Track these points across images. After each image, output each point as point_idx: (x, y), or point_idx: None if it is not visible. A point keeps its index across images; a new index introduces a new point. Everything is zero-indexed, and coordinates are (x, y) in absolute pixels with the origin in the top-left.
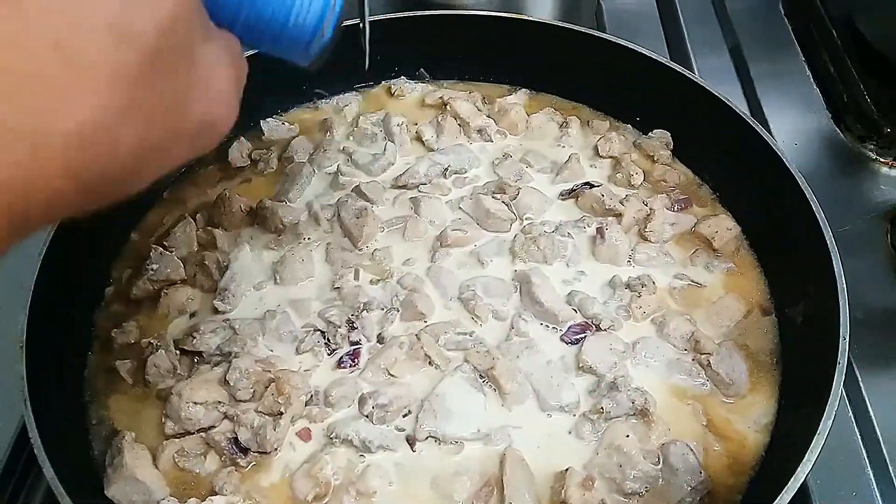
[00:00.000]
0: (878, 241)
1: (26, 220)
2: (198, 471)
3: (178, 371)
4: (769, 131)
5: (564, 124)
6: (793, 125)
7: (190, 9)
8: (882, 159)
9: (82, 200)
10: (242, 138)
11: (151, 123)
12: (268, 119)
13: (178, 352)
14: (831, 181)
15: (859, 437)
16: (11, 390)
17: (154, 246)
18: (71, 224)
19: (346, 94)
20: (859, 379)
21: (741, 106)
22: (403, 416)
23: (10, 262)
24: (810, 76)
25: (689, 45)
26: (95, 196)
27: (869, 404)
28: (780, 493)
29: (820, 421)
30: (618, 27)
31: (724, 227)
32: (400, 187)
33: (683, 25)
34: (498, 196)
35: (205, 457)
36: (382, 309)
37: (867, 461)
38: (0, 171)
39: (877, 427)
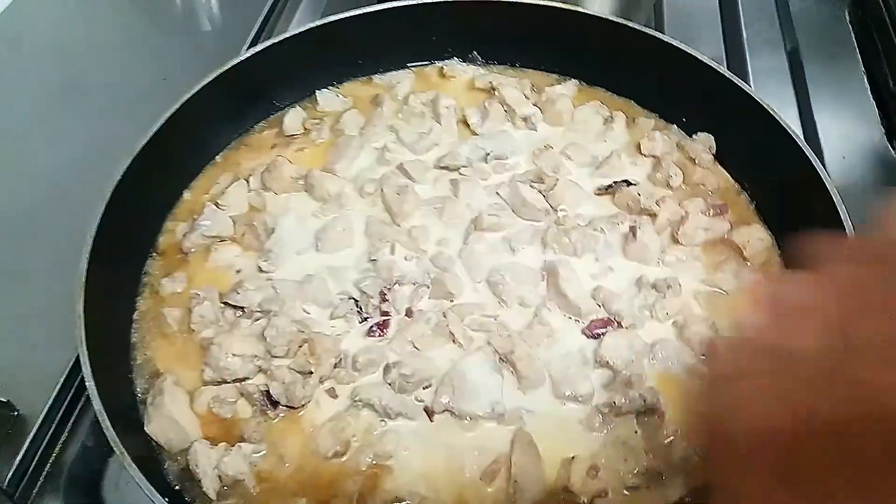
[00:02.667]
0: None
1: None
2: (229, 417)
3: (221, 323)
4: (818, 140)
5: (609, 119)
6: (843, 136)
7: None
8: None
9: None
10: (298, 107)
11: None
12: (323, 90)
13: (222, 305)
14: (876, 198)
15: None
16: (69, 327)
17: (208, 203)
18: (129, 180)
19: (400, 72)
20: None
21: (792, 111)
22: (424, 388)
23: (76, 210)
24: (868, 88)
25: (746, 44)
26: None
27: None
28: None
29: None
30: (676, 22)
31: (756, 238)
32: (442, 168)
33: (743, 24)
34: (535, 185)
35: (237, 405)
36: (414, 284)
37: None
38: None
39: None
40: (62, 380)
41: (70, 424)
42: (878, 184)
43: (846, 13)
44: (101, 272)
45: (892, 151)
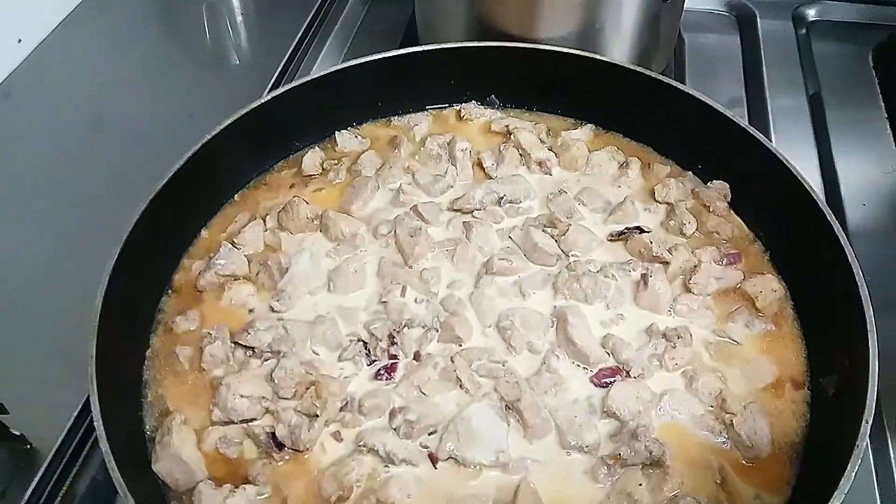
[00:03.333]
0: None
1: None
2: (236, 457)
3: (231, 363)
4: (837, 185)
5: (625, 164)
6: (863, 182)
7: None
8: None
9: None
10: (317, 147)
11: None
12: (343, 131)
13: (233, 344)
14: (893, 245)
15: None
16: (83, 364)
17: (224, 242)
18: (149, 217)
19: (418, 114)
20: (889, 444)
21: (811, 155)
22: (429, 434)
23: (94, 248)
24: (890, 134)
25: (767, 86)
26: None
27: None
28: None
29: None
30: (697, 64)
31: (769, 288)
32: (455, 210)
33: (764, 65)
34: (548, 230)
35: (243, 446)
36: (423, 327)
37: None
38: None
39: None
40: (74, 415)
41: (81, 459)
42: None
43: (870, 57)
44: (116, 310)
45: None
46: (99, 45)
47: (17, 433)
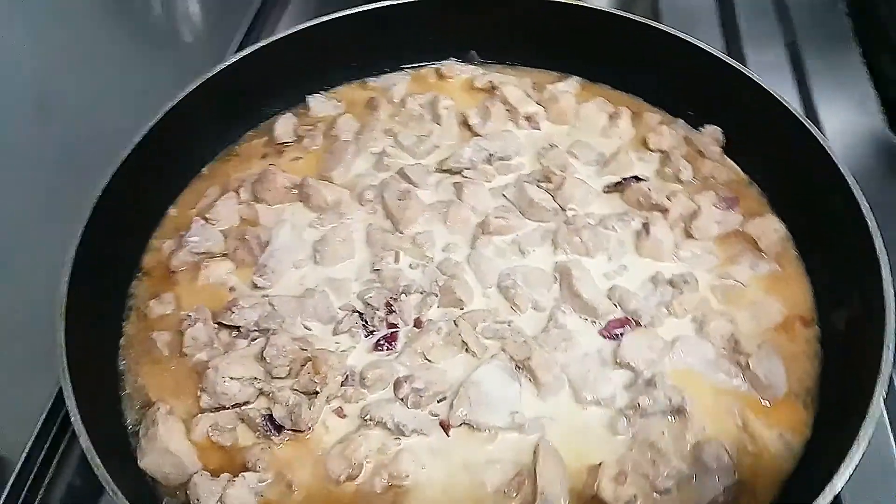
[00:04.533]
0: None
1: None
2: (230, 444)
3: (215, 345)
4: (821, 131)
5: (615, 115)
6: (845, 127)
7: None
8: None
9: None
10: (289, 113)
11: None
12: (315, 95)
13: (216, 325)
14: (880, 186)
15: (893, 442)
16: (49, 357)
17: (196, 217)
18: (110, 196)
19: (395, 74)
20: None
21: (794, 104)
22: (438, 402)
23: (53, 233)
24: (868, 77)
25: (743, 38)
26: None
27: None
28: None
29: (860, 428)
30: (674, 18)
31: (770, 228)
32: (444, 171)
33: (740, 18)
34: (542, 185)
35: (237, 431)
36: (421, 293)
37: None
38: None
39: None
40: (44, 415)
41: (55, 463)
42: (882, 172)
43: (843, 3)
44: (83, 297)
45: (895, 138)
46: (39, 26)
47: None
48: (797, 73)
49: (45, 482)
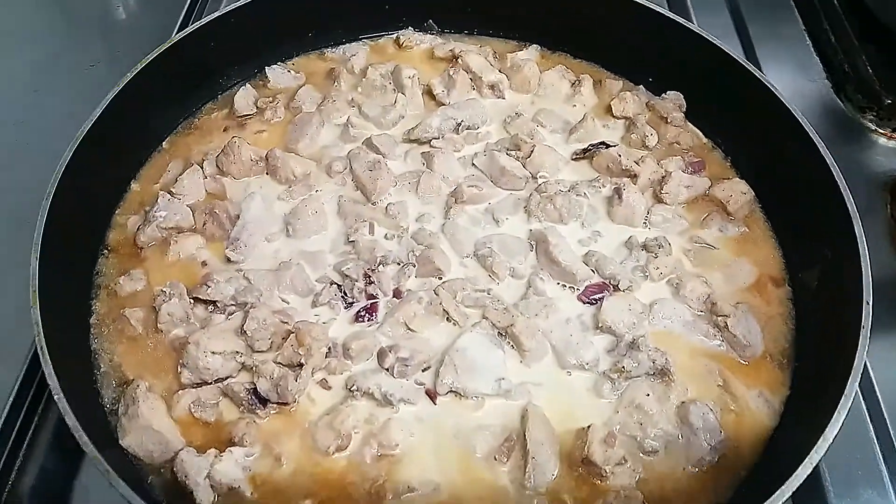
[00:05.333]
0: (877, 211)
1: None
2: (213, 420)
3: (192, 320)
4: None
5: (577, 83)
6: (792, 92)
7: None
8: (881, 130)
9: None
10: (248, 85)
11: None
12: (273, 66)
13: (191, 300)
14: (830, 151)
15: (862, 400)
16: (12, 341)
17: (161, 192)
18: (72, 172)
19: (353, 44)
20: None
21: None
22: (423, 371)
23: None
24: (810, 44)
25: (690, 4)
26: None
27: (871, 370)
28: (807, 453)
29: (846, 382)
30: None
31: (738, 191)
32: (412, 141)
33: None
34: (512, 153)
35: (220, 406)
36: (399, 263)
37: (869, 423)
38: None
39: (878, 391)
40: (11, 399)
41: (24, 447)
42: (831, 136)
43: None
44: (51, 276)
45: (841, 103)
46: None
47: None
48: (742, 39)
49: (15, 468)
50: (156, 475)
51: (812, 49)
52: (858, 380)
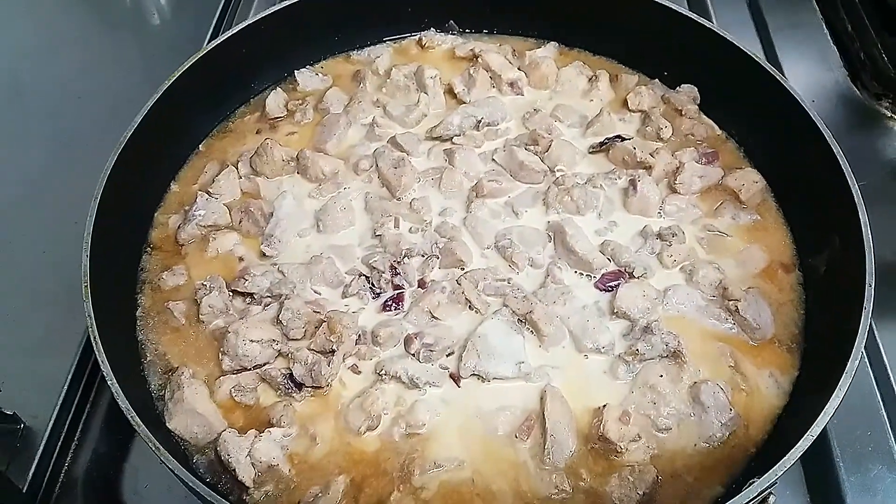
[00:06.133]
0: (891, 197)
1: None
2: (252, 404)
3: (231, 312)
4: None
5: (594, 78)
6: (809, 81)
7: None
8: None
9: None
10: (279, 88)
11: None
12: (302, 70)
13: (230, 293)
14: (846, 138)
15: (872, 375)
16: (67, 331)
17: (200, 192)
18: (117, 176)
19: (377, 46)
20: (874, 327)
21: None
22: (447, 356)
23: (57, 214)
24: (827, 33)
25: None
26: None
27: (884, 351)
28: (809, 427)
29: (847, 362)
30: None
31: (750, 180)
32: (434, 139)
33: None
34: (530, 148)
35: (258, 391)
36: (423, 255)
37: (880, 399)
38: None
39: (891, 372)
40: (66, 387)
41: (78, 432)
42: (848, 124)
43: None
44: (100, 271)
45: (857, 91)
46: (13, 14)
47: (8, 412)
48: (760, 30)
49: (71, 450)
50: (200, 455)
51: (829, 38)
52: (860, 356)
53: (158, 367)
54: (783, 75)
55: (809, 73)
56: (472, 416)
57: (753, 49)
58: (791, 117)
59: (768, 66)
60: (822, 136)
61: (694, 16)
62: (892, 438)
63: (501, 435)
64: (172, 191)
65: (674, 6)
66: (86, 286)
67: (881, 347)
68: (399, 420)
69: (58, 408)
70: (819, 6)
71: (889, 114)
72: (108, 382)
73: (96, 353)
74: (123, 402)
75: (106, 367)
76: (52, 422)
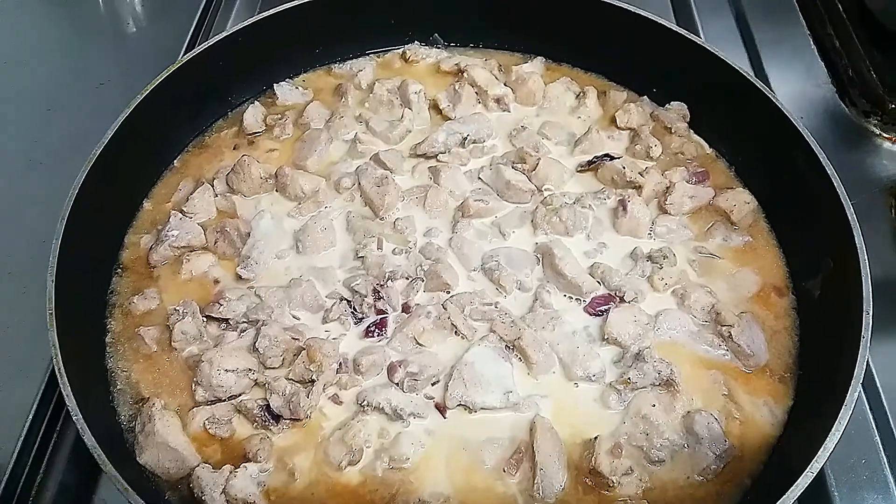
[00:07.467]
0: (880, 215)
1: None
2: (227, 436)
3: (205, 338)
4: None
5: (581, 95)
6: (797, 97)
7: None
8: (885, 135)
9: None
10: (257, 102)
11: None
12: (281, 83)
13: (204, 318)
14: (834, 155)
15: (865, 400)
16: (32, 359)
17: (173, 211)
18: (85, 194)
19: (360, 59)
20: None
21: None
22: (433, 385)
23: (23, 233)
24: (815, 49)
25: (695, 10)
26: None
27: (874, 370)
28: (808, 464)
29: (846, 392)
30: None
31: (742, 201)
32: (419, 156)
33: None
34: (518, 166)
35: (233, 423)
36: (407, 278)
37: (875, 428)
38: None
39: (883, 396)
40: (31, 416)
41: (44, 464)
42: (836, 141)
43: None
44: (66, 297)
45: (845, 108)
46: None
47: None
48: (748, 45)
49: (36, 484)
50: (173, 491)
51: (817, 54)
52: (859, 389)
53: (129, 395)
54: (770, 90)
55: (797, 89)
56: (458, 448)
57: (740, 64)
58: (782, 135)
59: (759, 84)
60: (815, 154)
61: (682, 31)
62: (888, 468)
63: (489, 468)
64: (145, 209)
65: (662, 21)
66: (51, 314)
67: (874, 371)
68: (382, 454)
69: (21, 439)
70: (806, 20)
71: (878, 131)
72: (74, 418)
73: (60, 385)
74: (90, 440)
75: (72, 403)
76: (15, 453)
